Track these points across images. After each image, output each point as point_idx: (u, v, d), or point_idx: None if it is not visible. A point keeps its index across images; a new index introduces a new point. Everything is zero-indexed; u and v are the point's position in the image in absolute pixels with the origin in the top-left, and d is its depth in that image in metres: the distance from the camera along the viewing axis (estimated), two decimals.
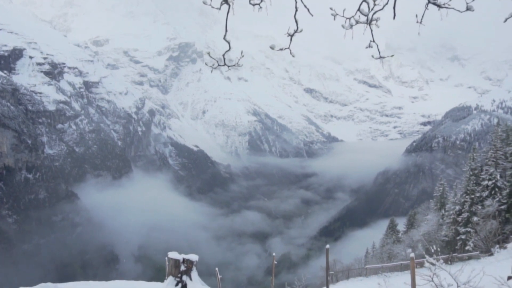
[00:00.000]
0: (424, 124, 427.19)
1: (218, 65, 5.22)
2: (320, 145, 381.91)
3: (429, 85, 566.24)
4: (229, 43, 5.06)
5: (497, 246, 24.95)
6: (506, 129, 36.74)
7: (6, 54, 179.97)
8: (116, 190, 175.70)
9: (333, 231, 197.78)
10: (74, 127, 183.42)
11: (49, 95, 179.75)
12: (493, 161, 34.92)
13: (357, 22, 4.83)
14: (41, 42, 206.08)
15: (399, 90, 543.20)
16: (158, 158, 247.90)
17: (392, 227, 58.54)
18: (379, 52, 5.19)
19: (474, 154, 38.48)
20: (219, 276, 14.33)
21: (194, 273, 7.18)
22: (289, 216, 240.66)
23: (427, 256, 6.92)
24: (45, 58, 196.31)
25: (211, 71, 6.51)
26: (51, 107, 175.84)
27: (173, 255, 7.44)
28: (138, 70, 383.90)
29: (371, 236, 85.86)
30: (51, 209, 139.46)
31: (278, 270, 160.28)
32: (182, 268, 7.19)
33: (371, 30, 4.80)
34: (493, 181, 34.13)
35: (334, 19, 4.92)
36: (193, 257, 7.38)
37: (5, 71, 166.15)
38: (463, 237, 34.21)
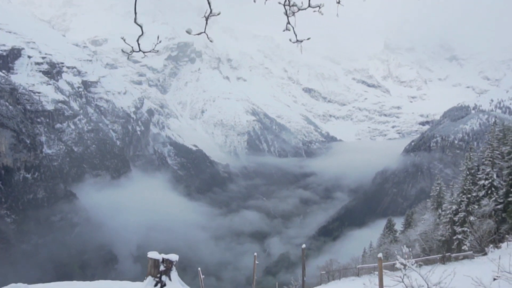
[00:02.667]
0: (422, 123, 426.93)
1: (133, 51, 5.16)
2: (318, 144, 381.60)
3: (428, 85, 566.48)
4: (141, 27, 4.99)
5: (491, 245, 24.99)
6: (503, 128, 36.80)
7: (4, 53, 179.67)
8: (114, 190, 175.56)
9: (331, 231, 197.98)
10: (72, 126, 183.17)
11: (48, 94, 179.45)
12: (489, 160, 34.95)
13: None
14: (39, 42, 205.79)
15: (397, 90, 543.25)
16: (156, 157, 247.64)
17: (390, 227, 58.67)
18: (296, 36, 5.15)
19: (471, 154, 38.48)
20: (202, 276, 14.38)
21: (174, 273, 7.11)
22: (287, 216, 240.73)
23: (398, 257, 6.91)
24: (43, 58, 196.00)
25: (128, 57, 6.46)
26: (50, 107, 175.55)
27: (153, 254, 7.39)
28: (136, 70, 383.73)
29: (369, 235, 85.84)
30: (49, 209, 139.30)
31: (277, 269, 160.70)
32: (162, 268, 7.15)
33: (286, 11, 4.76)
34: (490, 180, 34.14)
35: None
36: (173, 257, 7.31)
37: (3, 71, 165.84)
38: (459, 236, 34.22)
